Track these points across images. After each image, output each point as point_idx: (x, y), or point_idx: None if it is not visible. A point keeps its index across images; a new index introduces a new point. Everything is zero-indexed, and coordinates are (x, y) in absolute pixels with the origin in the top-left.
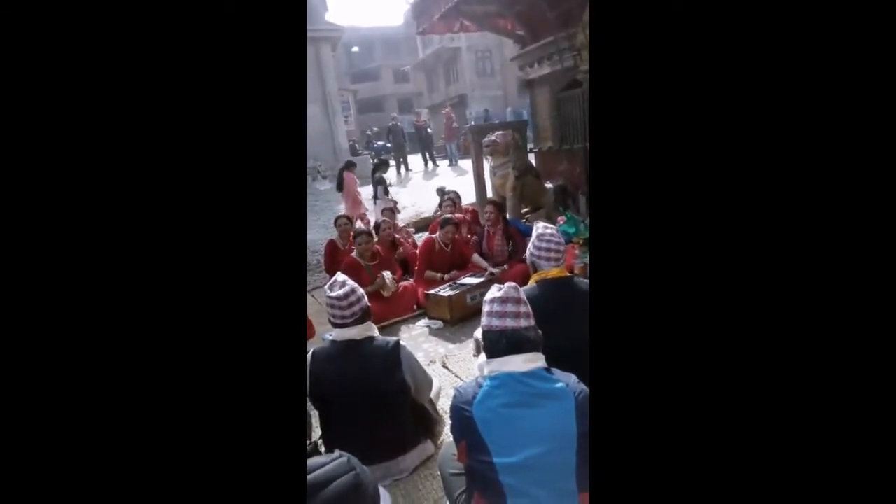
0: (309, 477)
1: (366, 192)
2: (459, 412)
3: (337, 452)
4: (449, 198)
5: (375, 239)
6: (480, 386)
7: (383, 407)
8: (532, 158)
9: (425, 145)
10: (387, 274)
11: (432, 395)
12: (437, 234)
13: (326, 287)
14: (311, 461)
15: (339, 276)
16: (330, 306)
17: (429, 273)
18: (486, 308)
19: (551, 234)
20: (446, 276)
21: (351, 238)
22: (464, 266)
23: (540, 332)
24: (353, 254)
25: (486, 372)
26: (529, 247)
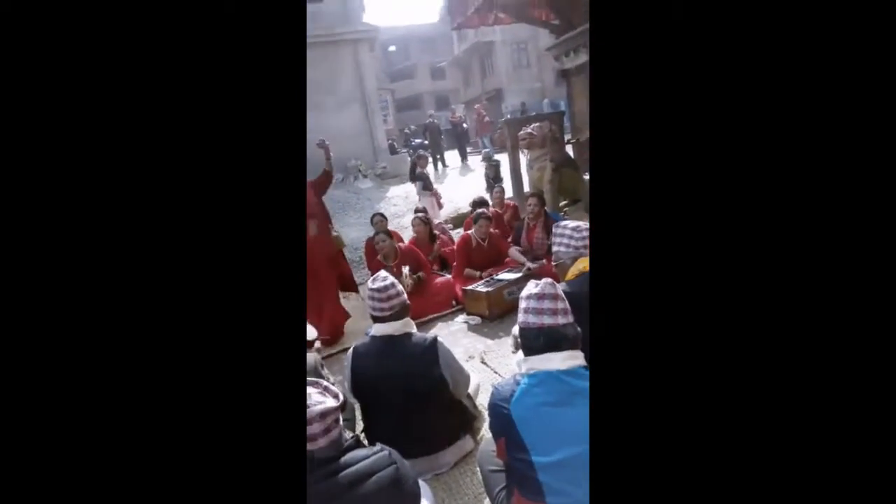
0: (350, 469)
1: (404, 189)
2: (497, 410)
3: (378, 446)
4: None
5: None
6: (518, 383)
7: (422, 402)
8: (570, 150)
9: (461, 141)
10: (405, 269)
11: (471, 390)
12: (472, 231)
13: (369, 281)
14: (352, 454)
15: (382, 272)
16: (370, 298)
17: (468, 271)
18: (522, 305)
19: (586, 226)
20: (483, 274)
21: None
22: (500, 261)
23: (579, 329)
24: (379, 256)
25: (524, 369)
26: (570, 244)
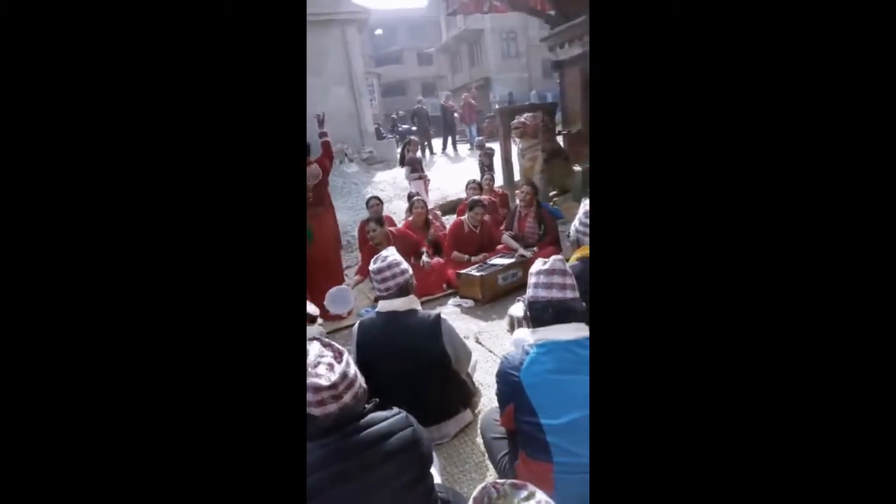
0: (373, 428)
1: (391, 174)
2: (507, 377)
3: (395, 409)
4: (475, 182)
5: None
6: (527, 353)
7: (425, 375)
8: (561, 141)
9: (449, 129)
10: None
11: (470, 368)
12: (465, 217)
13: (372, 261)
14: (373, 415)
15: (384, 252)
16: (371, 279)
17: (456, 254)
18: (532, 280)
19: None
20: (473, 259)
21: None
22: (492, 248)
23: (584, 304)
24: (371, 242)
25: (532, 340)
26: (576, 224)
